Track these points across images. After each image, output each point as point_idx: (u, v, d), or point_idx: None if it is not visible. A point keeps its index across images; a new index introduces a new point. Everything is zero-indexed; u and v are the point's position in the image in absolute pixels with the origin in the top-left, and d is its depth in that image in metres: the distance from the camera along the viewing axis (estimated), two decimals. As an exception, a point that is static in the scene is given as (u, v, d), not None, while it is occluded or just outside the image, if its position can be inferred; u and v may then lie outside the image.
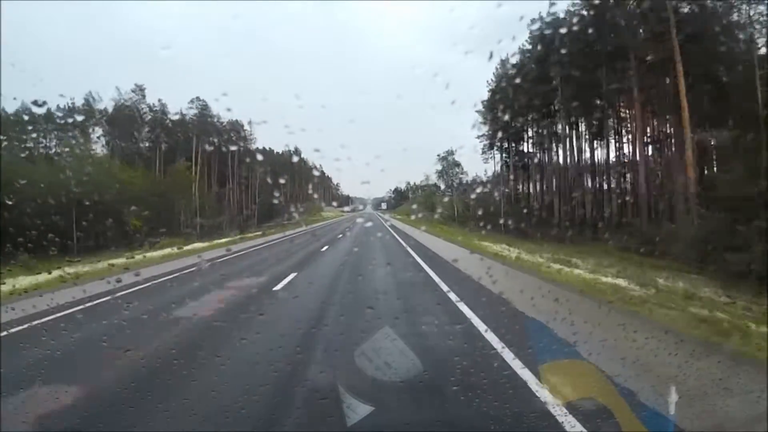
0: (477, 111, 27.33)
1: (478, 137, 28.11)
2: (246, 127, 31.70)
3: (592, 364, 3.76)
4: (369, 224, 26.46)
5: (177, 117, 30.13)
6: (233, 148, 32.44)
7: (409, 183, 32.88)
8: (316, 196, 33.91)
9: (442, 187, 31.23)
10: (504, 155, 28.48)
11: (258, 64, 28.64)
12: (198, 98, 30.43)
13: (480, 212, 23.89)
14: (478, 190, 29.77)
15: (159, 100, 29.48)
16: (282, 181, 31.70)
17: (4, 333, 5.32)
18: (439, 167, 30.27)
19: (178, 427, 3.01)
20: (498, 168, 28.58)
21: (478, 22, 33.08)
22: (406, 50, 30.30)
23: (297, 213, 29.20)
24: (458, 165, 29.79)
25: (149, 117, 29.18)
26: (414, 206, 31.29)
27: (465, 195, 28.72)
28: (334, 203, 34.34)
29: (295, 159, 33.82)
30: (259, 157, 30.09)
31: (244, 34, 28.93)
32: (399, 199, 33.00)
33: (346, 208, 32.63)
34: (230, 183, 31.55)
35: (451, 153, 29.85)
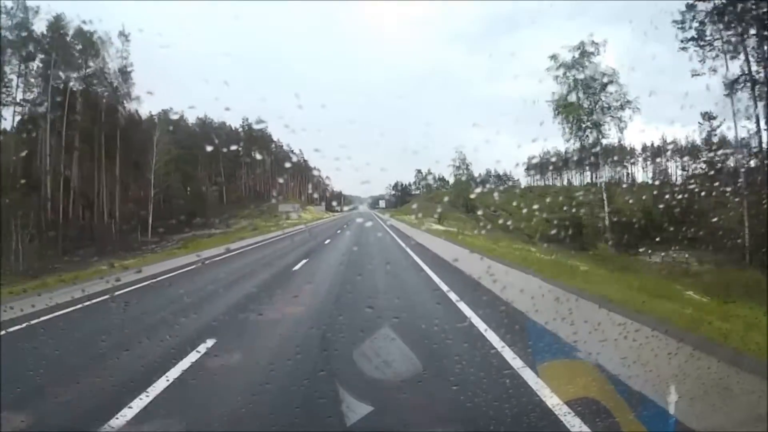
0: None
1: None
2: (116, 42, 15.90)
3: (592, 364, 3.75)
4: (368, 223, 20.98)
5: None
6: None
7: (420, 171, 23.86)
8: (316, 195, 26.51)
9: (566, 144, 14.65)
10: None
11: (258, 64, 28.41)
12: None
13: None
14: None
15: None
16: (226, 166, 18.66)
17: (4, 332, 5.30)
18: (563, 89, 13.52)
19: (177, 426, 3.01)
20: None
21: (478, 21, 33.19)
22: (406, 50, 29.99)
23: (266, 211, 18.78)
24: (606, 85, 13.50)
25: None
26: (414, 205, 22.61)
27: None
28: (334, 203, 30.60)
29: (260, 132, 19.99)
30: (150, 108, 15.56)
31: (244, 35, 28.77)
32: (401, 196, 26.25)
33: (346, 209, 30.18)
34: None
35: (587, 50, 13.16)
